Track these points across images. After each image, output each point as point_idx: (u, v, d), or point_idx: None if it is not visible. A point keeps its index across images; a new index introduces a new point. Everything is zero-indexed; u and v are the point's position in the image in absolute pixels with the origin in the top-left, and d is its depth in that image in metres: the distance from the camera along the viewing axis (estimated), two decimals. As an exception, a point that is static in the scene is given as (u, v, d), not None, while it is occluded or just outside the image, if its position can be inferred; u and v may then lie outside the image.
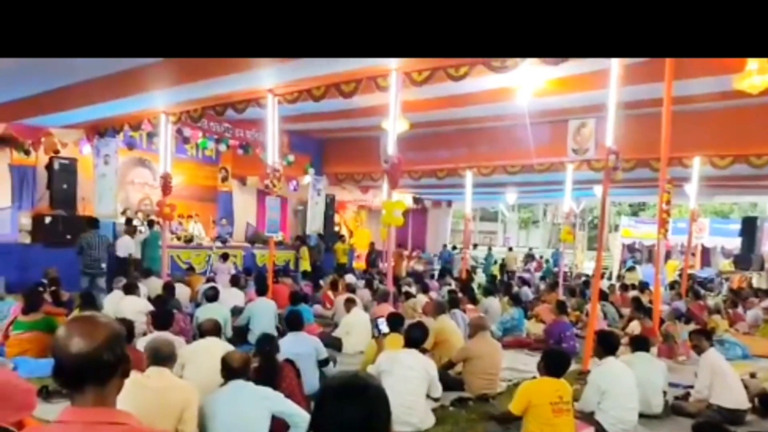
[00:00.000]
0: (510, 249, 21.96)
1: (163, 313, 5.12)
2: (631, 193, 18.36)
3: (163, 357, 3.33)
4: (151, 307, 6.57)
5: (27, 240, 10.81)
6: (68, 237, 10.39)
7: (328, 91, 7.82)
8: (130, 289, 7.18)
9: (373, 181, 14.65)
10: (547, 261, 20.07)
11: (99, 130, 11.28)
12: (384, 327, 4.87)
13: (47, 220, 10.36)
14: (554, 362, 4.03)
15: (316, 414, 1.33)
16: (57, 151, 11.31)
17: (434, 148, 13.23)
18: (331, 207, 15.72)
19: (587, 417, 4.43)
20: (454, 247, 20.09)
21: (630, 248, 18.12)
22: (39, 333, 5.44)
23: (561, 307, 8.11)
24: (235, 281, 8.85)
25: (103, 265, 9.06)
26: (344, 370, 5.85)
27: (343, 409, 1.27)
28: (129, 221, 11.77)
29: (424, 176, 14.08)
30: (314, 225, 13.72)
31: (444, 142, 13.11)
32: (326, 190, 14.83)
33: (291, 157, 13.39)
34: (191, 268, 11.30)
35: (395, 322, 5.13)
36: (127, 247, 10.90)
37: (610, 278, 17.76)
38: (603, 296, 9.31)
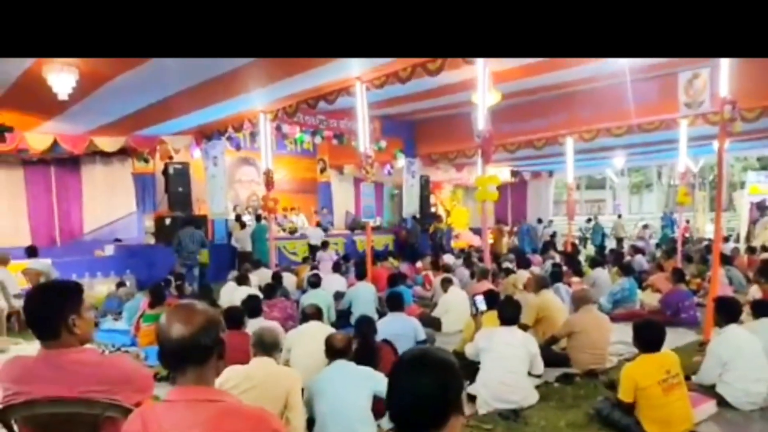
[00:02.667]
0: (619, 216, 20.72)
1: (250, 304, 5.37)
2: (758, 146, 16.46)
3: (266, 346, 3.47)
4: (261, 296, 6.97)
5: (151, 241, 11.91)
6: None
7: (415, 71, 7.74)
8: (242, 280, 7.69)
9: (467, 158, 14.38)
10: (663, 226, 18.58)
11: (206, 134, 12.10)
12: (482, 304, 4.80)
13: (167, 221, 11.28)
14: (646, 336, 3.74)
15: (391, 385, 1.37)
16: (171, 157, 12.31)
17: (530, 117, 12.67)
18: (426, 188, 15.68)
19: (707, 390, 4.10)
20: (539, 221, 18.93)
21: (759, 206, 16.19)
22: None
23: (678, 275, 7.54)
24: (336, 268, 9.14)
25: (198, 257, 9.98)
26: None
27: (416, 380, 1.31)
28: (238, 217, 12.56)
29: (521, 147, 13.53)
30: (410, 207, 13.78)
31: (540, 110, 12.50)
32: (420, 172, 14.81)
33: (383, 143, 13.49)
34: (305, 259, 11.85)
35: (491, 299, 5.03)
36: (242, 241, 11.71)
37: (737, 240, 16.14)
38: (727, 260, 8.50)
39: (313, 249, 12.46)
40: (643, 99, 10.41)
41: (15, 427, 1.99)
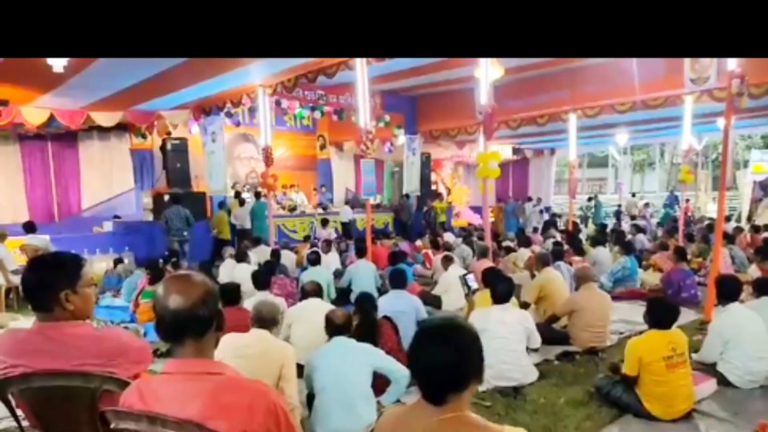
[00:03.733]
0: (633, 195, 20.82)
1: (260, 276, 5.43)
2: (763, 123, 16.28)
3: (264, 320, 3.48)
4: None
5: (150, 218, 11.82)
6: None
7: (416, 44, 7.58)
8: (241, 258, 7.66)
9: (469, 135, 14.23)
10: (665, 205, 18.56)
11: (204, 109, 11.92)
12: (473, 283, 4.75)
13: (166, 198, 11.20)
14: (660, 313, 3.71)
15: (412, 354, 1.46)
16: (169, 133, 12.17)
17: (533, 93, 12.49)
18: (427, 165, 15.55)
19: (708, 369, 4.09)
20: (529, 199, 18.73)
21: (762, 185, 16.07)
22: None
23: (680, 254, 7.51)
24: (328, 245, 9.09)
25: (185, 233, 10.20)
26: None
27: (437, 350, 1.40)
28: (237, 194, 12.49)
29: (524, 124, 13.36)
30: (411, 185, 13.67)
31: (543, 86, 12.32)
32: (421, 149, 14.67)
33: (387, 118, 13.33)
34: (306, 238, 11.80)
35: (490, 277, 4.98)
36: (241, 218, 11.67)
37: (739, 220, 16.08)
38: (729, 239, 8.47)
39: (345, 226, 12.87)
40: (648, 75, 10.27)
41: (12, 401, 1.97)
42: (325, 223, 11.88)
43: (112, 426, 1.55)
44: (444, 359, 1.38)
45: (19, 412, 2.01)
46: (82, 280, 2.00)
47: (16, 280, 7.36)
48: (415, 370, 1.47)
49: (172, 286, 1.53)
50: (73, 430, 1.94)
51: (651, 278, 7.97)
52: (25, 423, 2.05)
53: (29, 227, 8.49)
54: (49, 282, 1.93)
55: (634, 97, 10.97)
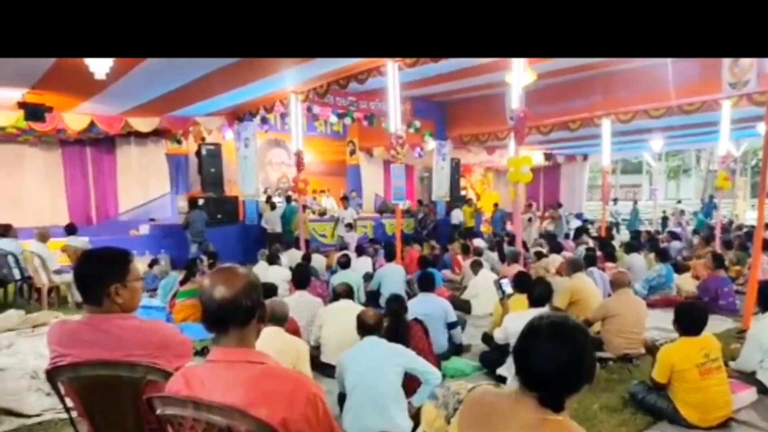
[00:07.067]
0: (678, 201, 20.37)
1: (301, 274, 5.56)
2: (806, 128, 15.71)
3: (277, 317, 3.63)
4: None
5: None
6: (219, 216, 11.53)
7: (448, 49, 7.59)
8: (273, 260, 7.79)
9: (499, 140, 14.16)
10: (695, 213, 18.11)
11: (238, 116, 12.18)
12: (508, 288, 4.72)
13: (200, 202, 11.47)
14: (688, 318, 3.63)
15: (523, 351, 1.41)
16: (203, 139, 12.46)
17: (566, 98, 12.35)
18: (456, 171, 15.49)
19: (747, 377, 3.98)
20: (560, 204, 18.33)
21: (806, 192, 15.54)
22: (197, 299, 6.10)
23: (718, 261, 7.31)
24: (359, 251, 9.13)
25: (204, 234, 10.66)
26: (476, 330, 5.84)
27: (557, 348, 1.35)
28: (269, 199, 12.68)
29: (556, 129, 13.22)
30: (440, 191, 13.63)
31: (576, 91, 12.17)
32: (451, 154, 14.64)
33: (417, 124, 13.34)
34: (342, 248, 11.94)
35: (521, 281, 4.95)
36: (271, 222, 11.84)
37: (780, 228, 15.52)
38: (768, 246, 8.20)
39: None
40: (684, 79, 10.06)
41: (62, 389, 2.05)
42: (350, 227, 11.88)
43: (158, 412, 1.61)
44: (564, 357, 1.33)
45: (68, 401, 2.09)
46: (131, 274, 2.09)
47: (58, 279, 7.62)
48: (525, 369, 1.40)
49: (217, 278, 1.60)
50: (119, 418, 2.01)
51: (687, 285, 7.78)
52: (74, 413, 2.14)
53: (70, 229, 8.78)
54: (101, 275, 2.02)
55: (669, 102, 10.76)
